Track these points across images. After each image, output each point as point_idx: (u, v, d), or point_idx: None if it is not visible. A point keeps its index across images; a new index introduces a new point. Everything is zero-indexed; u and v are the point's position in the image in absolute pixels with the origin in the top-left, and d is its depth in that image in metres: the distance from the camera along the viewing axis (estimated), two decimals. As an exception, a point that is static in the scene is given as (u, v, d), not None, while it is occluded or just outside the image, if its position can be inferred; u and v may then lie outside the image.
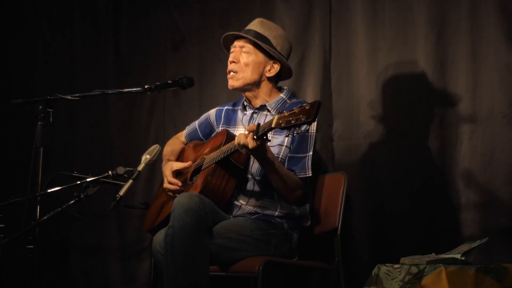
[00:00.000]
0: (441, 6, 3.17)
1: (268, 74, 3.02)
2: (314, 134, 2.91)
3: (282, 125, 2.42)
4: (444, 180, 3.10)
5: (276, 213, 2.87)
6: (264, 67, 3.01)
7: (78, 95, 2.70)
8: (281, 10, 3.67)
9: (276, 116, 2.47)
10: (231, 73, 3.02)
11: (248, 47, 3.01)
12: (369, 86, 3.36)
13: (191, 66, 4.02)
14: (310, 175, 2.88)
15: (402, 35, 3.28)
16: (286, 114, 2.43)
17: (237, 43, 3.04)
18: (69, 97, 2.67)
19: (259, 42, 2.98)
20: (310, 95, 3.51)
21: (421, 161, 3.17)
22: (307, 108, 2.37)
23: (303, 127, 2.39)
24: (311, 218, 3.02)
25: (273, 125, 2.47)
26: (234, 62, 3.02)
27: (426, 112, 3.19)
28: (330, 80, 3.50)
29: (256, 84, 3.02)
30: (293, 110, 2.42)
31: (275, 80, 3.07)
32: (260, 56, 3.01)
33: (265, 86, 3.04)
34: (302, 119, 2.36)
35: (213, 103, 3.65)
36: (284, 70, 3.06)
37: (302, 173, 2.87)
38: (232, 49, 3.06)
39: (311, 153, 2.89)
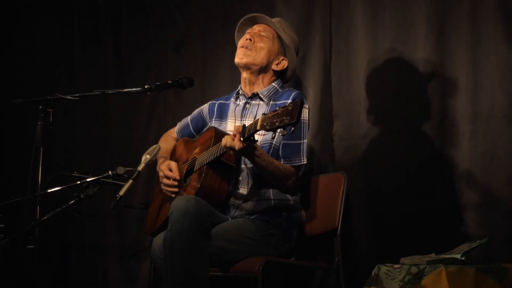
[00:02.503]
0: (441, 6, 3.17)
1: (274, 68, 3.04)
2: (307, 121, 2.92)
3: (267, 127, 2.41)
4: (444, 180, 3.10)
5: (272, 202, 2.86)
6: (275, 58, 3.04)
7: (78, 95, 2.70)
8: (282, 10, 3.67)
9: (261, 117, 2.45)
10: (244, 48, 3.01)
11: (269, 33, 3.04)
12: (369, 86, 3.36)
13: (192, 66, 4.02)
14: (305, 162, 2.88)
15: (402, 35, 3.28)
16: (270, 115, 2.42)
17: (257, 27, 3.07)
18: (69, 97, 2.67)
19: (282, 34, 3.02)
20: (310, 95, 3.51)
21: (421, 161, 3.17)
22: (289, 108, 2.35)
23: (287, 129, 2.37)
24: (311, 219, 3.02)
25: (258, 127, 2.46)
26: (251, 40, 3.02)
27: (426, 112, 3.19)
28: (330, 80, 3.50)
29: (261, 70, 3.03)
30: (276, 111, 2.40)
31: (277, 76, 3.08)
32: (276, 46, 3.04)
33: (267, 77, 3.05)
34: (286, 121, 2.34)
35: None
36: (289, 72, 3.08)
37: (297, 161, 2.86)
38: (249, 30, 3.08)
39: (305, 140, 2.89)
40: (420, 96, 3.22)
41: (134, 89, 2.84)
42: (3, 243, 2.42)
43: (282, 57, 3.05)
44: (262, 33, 3.04)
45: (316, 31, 3.55)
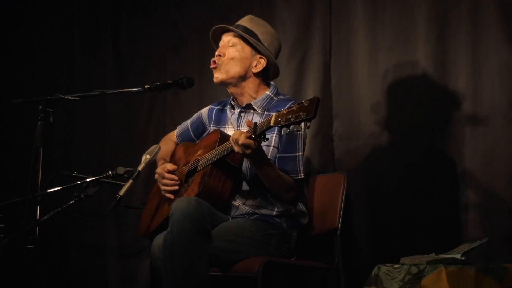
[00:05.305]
0: (442, 7, 3.17)
1: (254, 70, 2.96)
2: (303, 133, 2.86)
3: (281, 123, 2.37)
4: (445, 180, 3.10)
5: (274, 213, 2.86)
6: (251, 62, 2.96)
7: (78, 95, 2.70)
8: (282, 10, 3.67)
9: (274, 114, 2.42)
10: (215, 64, 2.97)
11: (235, 41, 2.96)
12: (369, 87, 3.36)
13: (191, 66, 4.02)
14: (302, 177, 2.83)
15: (402, 35, 3.28)
16: (284, 112, 2.39)
17: (225, 38, 3.01)
18: (69, 97, 2.67)
19: (246, 36, 2.94)
20: (310, 95, 3.49)
21: (422, 161, 3.17)
22: (306, 104, 2.33)
23: (302, 125, 2.35)
24: (311, 219, 3.02)
25: (272, 124, 2.42)
26: (219, 56, 2.97)
27: (426, 112, 3.19)
28: (330, 80, 3.49)
29: (241, 79, 2.96)
30: (291, 107, 2.37)
31: (262, 77, 3.01)
32: (247, 51, 2.96)
33: (251, 82, 2.98)
34: (302, 116, 2.31)
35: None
36: (272, 67, 3.00)
37: (294, 175, 2.82)
38: (220, 43, 3.03)
39: (301, 153, 2.83)
40: (420, 96, 3.22)
41: (134, 89, 2.84)
42: (3, 243, 2.42)
43: (258, 57, 2.96)
44: (230, 43, 2.97)
45: (316, 31, 3.55)
